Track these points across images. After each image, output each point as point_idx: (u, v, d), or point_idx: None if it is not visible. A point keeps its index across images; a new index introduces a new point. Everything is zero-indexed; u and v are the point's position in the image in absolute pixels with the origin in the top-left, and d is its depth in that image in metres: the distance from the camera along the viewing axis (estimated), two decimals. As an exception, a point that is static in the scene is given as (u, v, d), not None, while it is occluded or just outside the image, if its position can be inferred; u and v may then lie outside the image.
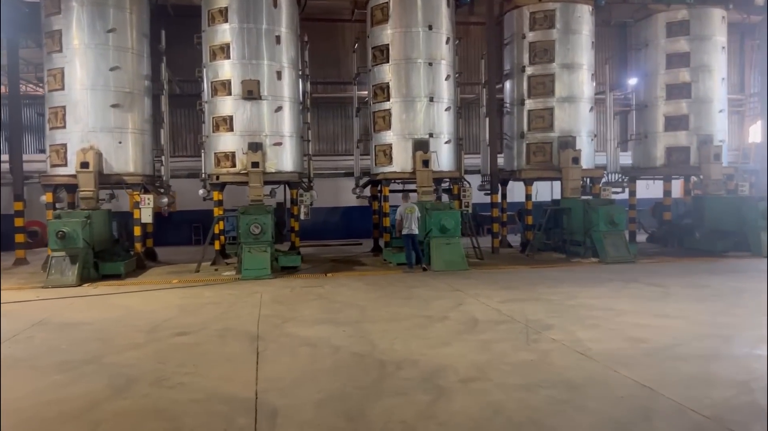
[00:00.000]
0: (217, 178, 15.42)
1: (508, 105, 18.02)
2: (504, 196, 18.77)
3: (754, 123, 23.49)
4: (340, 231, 22.03)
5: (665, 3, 17.65)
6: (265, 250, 13.28)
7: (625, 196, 19.19)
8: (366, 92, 17.42)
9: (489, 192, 17.71)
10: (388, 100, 16.23)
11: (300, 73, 16.61)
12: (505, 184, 18.66)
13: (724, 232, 16.08)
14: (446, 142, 16.43)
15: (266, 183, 15.70)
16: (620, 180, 19.10)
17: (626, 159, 20.41)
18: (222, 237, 16.30)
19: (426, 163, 15.79)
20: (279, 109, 15.58)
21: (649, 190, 19.94)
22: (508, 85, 18.06)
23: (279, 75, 15.60)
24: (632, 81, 19.61)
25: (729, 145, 19.73)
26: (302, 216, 16.00)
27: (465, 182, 17.14)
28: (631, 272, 12.95)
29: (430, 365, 6.29)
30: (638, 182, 19.50)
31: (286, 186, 17.28)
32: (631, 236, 18.08)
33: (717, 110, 17.55)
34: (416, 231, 13.90)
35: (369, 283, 12.08)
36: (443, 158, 16.38)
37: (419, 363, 6.36)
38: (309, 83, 17.15)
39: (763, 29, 19.11)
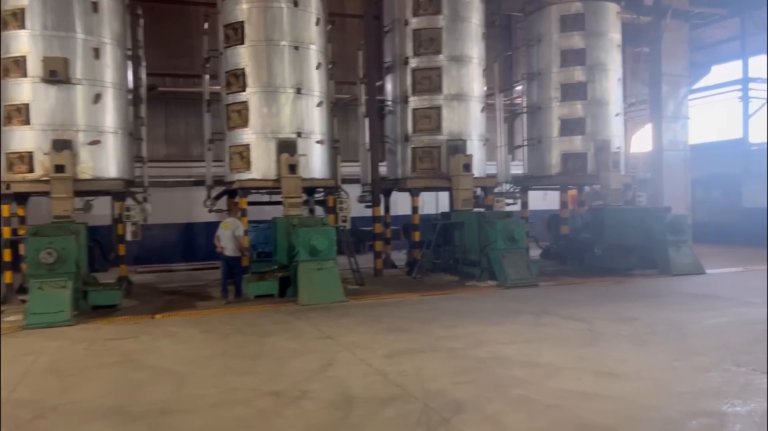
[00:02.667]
0: (8, 186, 11.45)
1: (390, 103, 15.48)
2: (387, 209, 16.21)
3: (637, 132, 22.84)
4: (193, 252, 18.32)
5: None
6: (63, 286, 9.59)
7: (517, 207, 17.35)
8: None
9: (370, 204, 15.05)
10: (245, 90, 13.05)
11: (130, 53, 13.03)
12: (388, 194, 16.10)
13: (627, 248, 14.51)
14: (318, 143, 13.52)
15: (80, 193, 11.96)
16: (512, 190, 17.22)
17: (515, 168, 18.70)
18: (23, 265, 12.22)
19: (293, 168, 12.78)
20: (98, 97, 11.93)
21: (546, 200, 18.28)
22: (389, 80, 15.54)
23: (97, 53, 11.94)
24: (521, 85, 17.98)
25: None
26: (129, 237, 12.35)
27: (342, 192, 14.33)
28: (538, 300, 10.73)
29: None
30: (530, 193, 17.78)
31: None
32: (525, 252, 16.10)
33: (614, 113, 16.13)
34: (230, 253, 11.43)
35: (208, 329, 8.83)
36: (315, 163, 13.46)
37: None
38: (145, 68, 13.59)
39: (656, 33, 18.13)
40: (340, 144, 14.95)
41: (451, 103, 14.60)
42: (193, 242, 18.65)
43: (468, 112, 14.77)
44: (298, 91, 13.22)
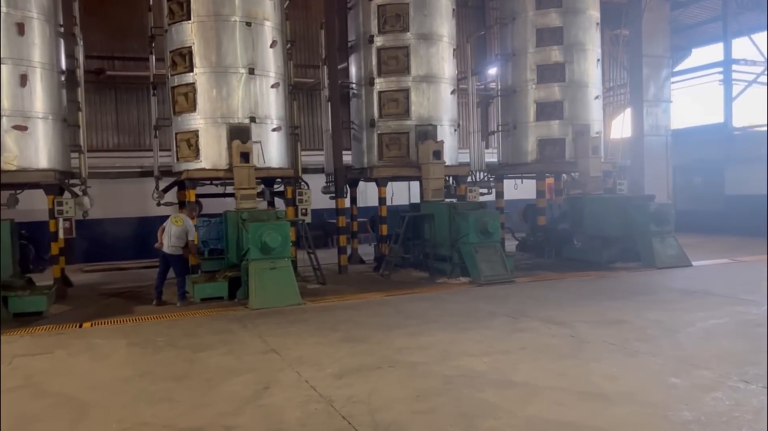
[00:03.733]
0: None
1: (354, 86, 14.34)
2: (354, 200, 15.13)
3: (617, 117, 21.99)
4: (146, 249, 16.94)
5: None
6: (-27, 293, 8.36)
7: (492, 197, 16.39)
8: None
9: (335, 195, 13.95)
10: (192, 70, 11.82)
11: (62, 30, 11.70)
12: (354, 184, 15.02)
13: (609, 239, 13.63)
14: (275, 130, 12.35)
15: (5, 186, 10.66)
16: (486, 179, 16.23)
17: (490, 156, 17.73)
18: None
19: (246, 156, 11.60)
20: (24, 78, 10.63)
21: (517, 190, 17.31)
22: (353, 60, 14.41)
23: (21, 29, 10.63)
24: (495, 67, 16.97)
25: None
26: (61, 234, 11.08)
27: (302, 183, 13.20)
28: (515, 299, 9.75)
29: None
30: (505, 181, 16.85)
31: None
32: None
33: (593, 96, 15.20)
34: (168, 250, 10.27)
35: (137, 341, 7.67)
36: (272, 151, 12.30)
37: None
38: (82, 48, 12.24)
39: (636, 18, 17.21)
40: (304, 131, 13.85)
41: (420, 85, 13.52)
42: (146, 237, 17.29)
43: (438, 95, 13.71)
44: (251, 71, 12.01)
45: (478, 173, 16.01)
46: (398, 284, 11.70)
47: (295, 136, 13.57)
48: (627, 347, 6.67)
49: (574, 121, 15.02)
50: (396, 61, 13.48)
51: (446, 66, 13.87)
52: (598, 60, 15.43)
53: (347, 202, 14.87)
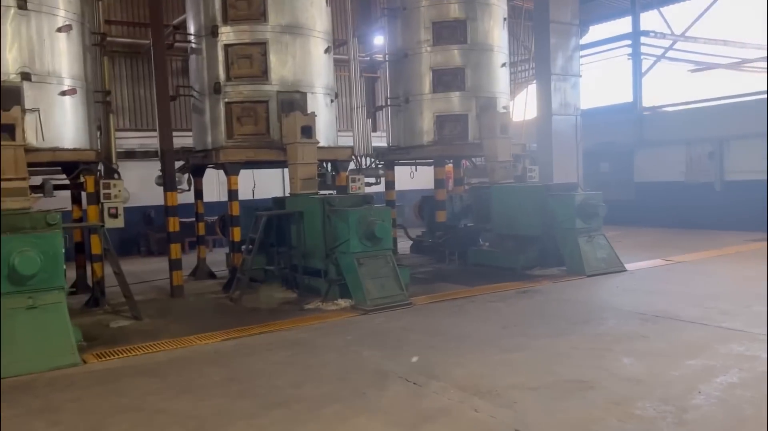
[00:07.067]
0: None
1: (193, 38, 10.56)
2: (199, 194, 11.44)
3: (518, 94, 19.67)
4: None
5: None
6: None
7: (381, 188, 13.31)
8: None
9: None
10: None
11: None
12: (199, 173, 11.31)
13: (524, 239, 10.94)
14: (65, 93, 8.37)
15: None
16: (375, 166, 13.09)
17: (379, 141, 14.69)
18: None
19: (11, 130, 7.61)
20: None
21: (413, 178, 14.35)
22: (191, 3, 10.61)
23: None
24: (380, 37, 13.87)
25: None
26: None
27: (113, 172, 9.33)
28: (415, 338, 6.63)
29: None
30: (397, 168, 13.84)
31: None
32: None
33: (499, 63, 12.46)
34: None
35: None
36: (61, 124, 8.35)
37: None
38: None
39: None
40: (134, 106, 9.96)
41: (283, 37, 10.01)
42: None
43: (308, 53, 10.28)
44: (23, 4, 8.00)
45: (363, 158, 12.81)
46: (250, 315, 8.21)
47: (107, 106, 9.65)
48: (624, 460, 3.69)
49: (478, 92, 12.22)
50: (248, 3, 9.87)
51: (318, 15, 10.46)
52: (505, 19, 12.72)
53: (191, 196, 11.24)
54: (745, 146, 15.00)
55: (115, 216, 8.83)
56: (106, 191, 8.82)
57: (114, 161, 9.67)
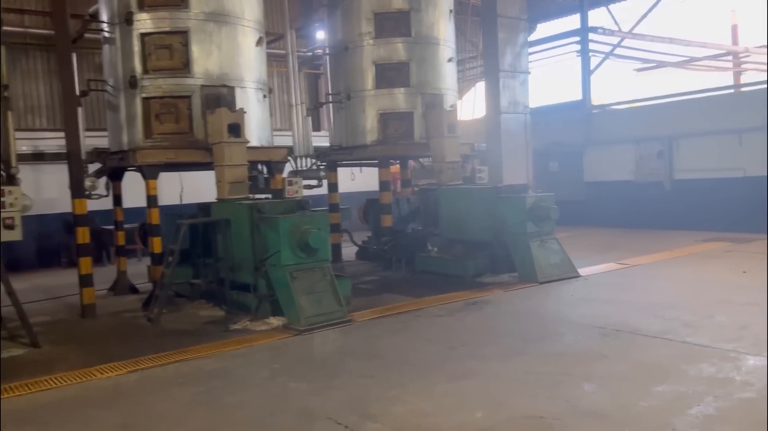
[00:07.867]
0: None
1: (106, 27, 9.44)
2: (118, 200, 10.35)
3: (465, 93, 19.13)
4: None
5: None
6: None
7: (324, 191, 12.47)
8: None
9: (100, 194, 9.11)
10: None
11: None
12: (117, 176, 10.22)
13: (473, 244, 10.30)
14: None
15: None
16: (315, 167, 12.21)
17: (320, 141, 13.83)
18: None
19: None
20: None
21: (354, 180, 13.56)
22: (102, -14, 9.52)
23: None
24: (320, 31, 13.03)
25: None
26: None
27: (12, 177, 8.17)
28: (352, 364, 5.83)
29: None
30: (340, 170, 13.03)
31: None
32: (334, 252, 11.09)
33: (445, 57, 11.79)
34: None
35: None
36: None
37: None
38: None
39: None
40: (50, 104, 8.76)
41: (206, 25, 9.04)
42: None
43: (235, 43, 9.33)
44: None
45: (303, 159, 11.92)
46: (168, 338, 7.23)
47: (5, 102, 8.46)
48: None
49: (423, 89, 11.52)
50: (165, -12, 8.87)
51: (247, 2, 9.52)
52: (450, 11, 12.06)
53: (109, 203, 10.17)
54: (693, 145, 14.81)
55: (11, 227, 7.68)
56: (1, 199, 7.68)
57: (14, 164, 8.50)
